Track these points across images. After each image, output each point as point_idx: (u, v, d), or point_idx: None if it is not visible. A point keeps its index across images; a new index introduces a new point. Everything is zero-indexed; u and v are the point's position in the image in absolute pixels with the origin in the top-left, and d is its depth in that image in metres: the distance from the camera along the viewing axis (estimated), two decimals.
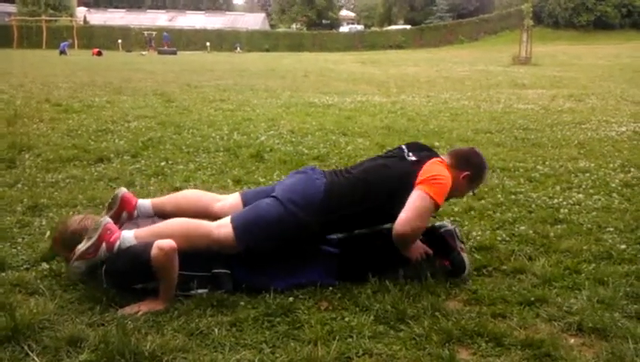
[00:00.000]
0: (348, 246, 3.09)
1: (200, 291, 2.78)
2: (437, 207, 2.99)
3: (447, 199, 3.11)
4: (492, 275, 3.10)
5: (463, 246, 3.11)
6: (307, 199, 2.97)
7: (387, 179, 3.04)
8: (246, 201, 3.16)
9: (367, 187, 3.03)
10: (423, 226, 2.97)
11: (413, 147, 3.24)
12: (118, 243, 2.78)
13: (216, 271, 2.86)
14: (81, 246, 2.77)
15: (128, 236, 2.82)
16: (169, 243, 2.67)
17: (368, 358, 2.31)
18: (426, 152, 3.19)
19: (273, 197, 3.02)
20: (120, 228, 2.93)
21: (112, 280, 2.79)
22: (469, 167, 3.16)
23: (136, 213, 3.13)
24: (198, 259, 2.85)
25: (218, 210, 3.13)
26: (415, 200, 2.91)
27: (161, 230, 2.86)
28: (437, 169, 3.03)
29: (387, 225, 3.06)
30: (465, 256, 3.06)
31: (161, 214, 3.16)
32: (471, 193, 3.35)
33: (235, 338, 2.44)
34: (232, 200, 3.23)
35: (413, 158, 3.11)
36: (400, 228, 2.89)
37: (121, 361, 2.20)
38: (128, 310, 2.63)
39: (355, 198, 3.00)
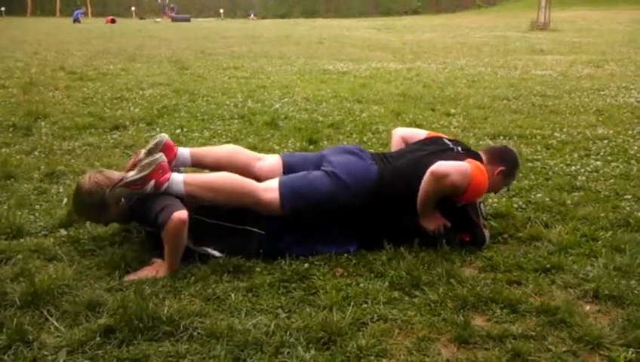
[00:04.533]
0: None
1: (217, 254, 2.81)
2: (470, 188, 2.92)
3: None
4: (508, 242, 3.10)
5: (486, 223, 3.07)
6: (361, 183, 2.97)
7: None
8: (287, 165, 3.17)
9: (419, 179, 2.97)
10: (457, 181, 2.86)
11: (455, 141, 3.30)
12: (166, 184, 2.80)
13: (249, 228, 2.89)
14: (130, 176, 2.76)
15: (178, 180, 2.84)
16: (181, 215, 2.66)
17: (383, 323, 2.32)
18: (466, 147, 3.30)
19: (325, 171, 3.02)
20: None
21: (131, 216, 2.93)
22: (503, 163, 3.24)
23: (175, 162, 3.11)
24: (240, 212, 2.91)
25: (257, 170, 3.15)
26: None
27: (210, 181, 2.91)
28: (479, 168, 3.02)
29: None
30: (487, 232, 3.04)
31: (199, 165, 3.19)
32: (505, 188, 3.45)
33: (251, 304, 2.46)
34: (271, 161, 3.23)
35: (460, 150, 3.18)
36: (438, 167, 2.86)
37: (140, 325, 2.23)
38: (132, 276, 2.67)
39: (404, 188, 2.99)
